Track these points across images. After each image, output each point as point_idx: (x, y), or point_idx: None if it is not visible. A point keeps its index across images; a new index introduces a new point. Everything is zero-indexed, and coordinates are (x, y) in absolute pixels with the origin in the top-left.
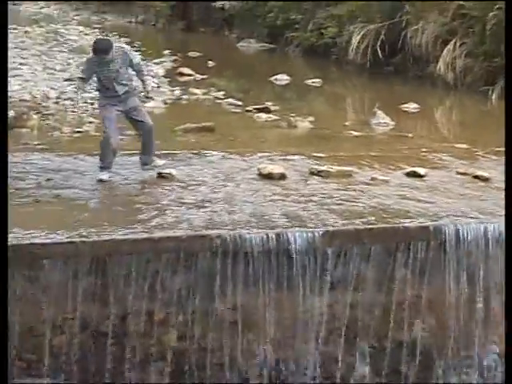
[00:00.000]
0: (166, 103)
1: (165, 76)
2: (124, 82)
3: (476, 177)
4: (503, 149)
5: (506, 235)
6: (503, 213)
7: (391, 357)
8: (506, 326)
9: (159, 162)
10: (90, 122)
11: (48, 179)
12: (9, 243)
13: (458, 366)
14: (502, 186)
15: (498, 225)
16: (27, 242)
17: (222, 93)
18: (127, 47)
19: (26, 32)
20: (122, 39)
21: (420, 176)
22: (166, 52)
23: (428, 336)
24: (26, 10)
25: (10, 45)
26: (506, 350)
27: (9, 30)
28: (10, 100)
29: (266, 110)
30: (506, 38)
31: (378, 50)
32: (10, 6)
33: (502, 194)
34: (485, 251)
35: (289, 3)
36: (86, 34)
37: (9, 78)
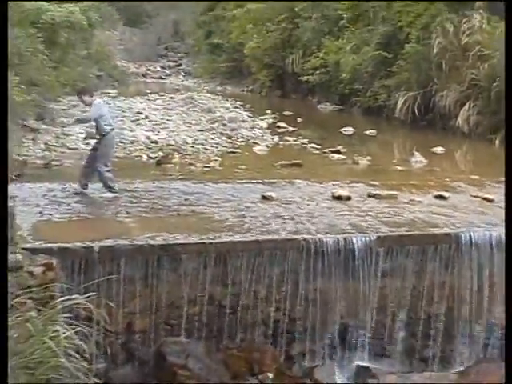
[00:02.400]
0: (267, 147)
1: (267, 128)
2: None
3: (485, 199)
4: (503, 178)
5: (506, 240)
6: (503, 224)
7: (423, 324)
8: (506, 325)
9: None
10: (216, 160)
11: (186, 199)
12: (159, 243)
13: (472, 330)
14: (503, 205)
15: (499, 232)
16: (172, 242)
17: (306, 140)
18: (100, 100)
19: (171, 97)
20: (237, 102)
21: (445, 198)
22: (268, 111)
23: (450, 310)
24: (171, 82)
25: (159, 106)
26: (505, 348)
27: (158, 96)
28: (159, 144)
29: (338, 152)
30: (506, 38)
31: (416, 110)
32: (159, 80)
33: (503, 211)
34: (490, 251)
35: (354, 76)
36: (213, 99)
37: (159, 129)
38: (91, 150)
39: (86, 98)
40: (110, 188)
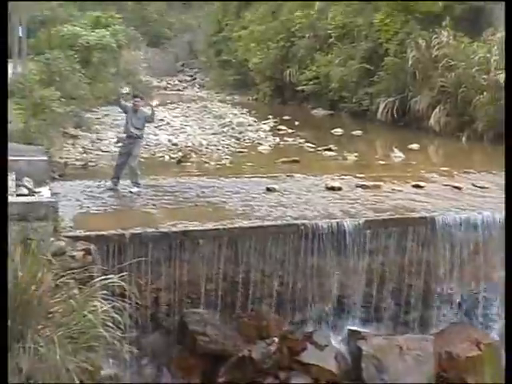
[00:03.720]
0: (270, 146)
1: (269, 131)
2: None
3: (454, 187)
4: (470, 170)
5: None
6: (471, 208)
7: (406, 293)
8: (505, 325)
9: (134, 189)
10: (226, 158)
11: (202, 192)
12: (180, 230)
13: (445, 298)
14: (470, 192)
15: (468, 215)
16: (191, 229)
17: (303, 140)
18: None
19: (188, 106)
20: (244, 109)
21: (421, 187)
22: (270, 117)
23: (427, 282)
24: (188, 94)
25: (178, 114)
26: (506, 347)
27: (177, 105)
28: (179, 146)
29: (329, 150)
30: (506, 38)
31: (394, 113)
32: (178, 92)
33: (470, 197)
34: (459, 231)
35: (341, 86)
36: (223, 107)
37: (179, 134)
38: (124, 152)
39: (140, 103)
40: (136, 183)
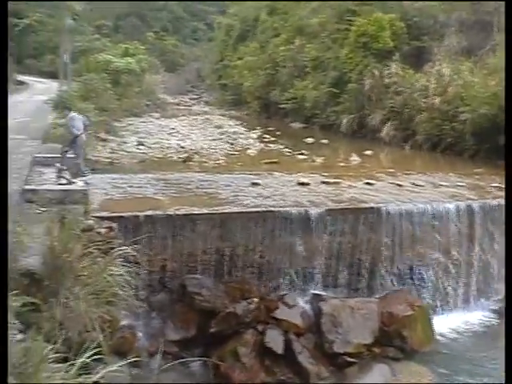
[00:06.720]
0: (256, 150)
1: (256, 138)
2: None
3: (397, 184)
4: (410, 172)
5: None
6: (408, 200)
7: (357, 266)
8: (505, 325)
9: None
10: (222, 159)
11: (201, 185)
12: (182, 213)
13: (387, 271)
14: (410, 188)
15: (407, 206)
16: (191, 212)
17: (282, 146)
18: (74, 114)
19: (194, 119)
20: (237, 122)
21: (371, 184)
22: (258, 128)
23: (373, 258)
24: (195, 109)
25: (186, 124)
26: (505, 347)
27: (186, 118)
28: (185, 149)
29: (302, 154)
30: (506, 38)
31: (355, 126)
32: (187, 107)
33: (408, 192)
34: (399, 219)
35: (314, 105)
36: (222, 120)
37: (186, 139)
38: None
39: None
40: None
